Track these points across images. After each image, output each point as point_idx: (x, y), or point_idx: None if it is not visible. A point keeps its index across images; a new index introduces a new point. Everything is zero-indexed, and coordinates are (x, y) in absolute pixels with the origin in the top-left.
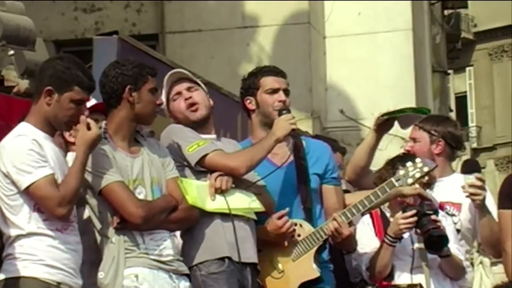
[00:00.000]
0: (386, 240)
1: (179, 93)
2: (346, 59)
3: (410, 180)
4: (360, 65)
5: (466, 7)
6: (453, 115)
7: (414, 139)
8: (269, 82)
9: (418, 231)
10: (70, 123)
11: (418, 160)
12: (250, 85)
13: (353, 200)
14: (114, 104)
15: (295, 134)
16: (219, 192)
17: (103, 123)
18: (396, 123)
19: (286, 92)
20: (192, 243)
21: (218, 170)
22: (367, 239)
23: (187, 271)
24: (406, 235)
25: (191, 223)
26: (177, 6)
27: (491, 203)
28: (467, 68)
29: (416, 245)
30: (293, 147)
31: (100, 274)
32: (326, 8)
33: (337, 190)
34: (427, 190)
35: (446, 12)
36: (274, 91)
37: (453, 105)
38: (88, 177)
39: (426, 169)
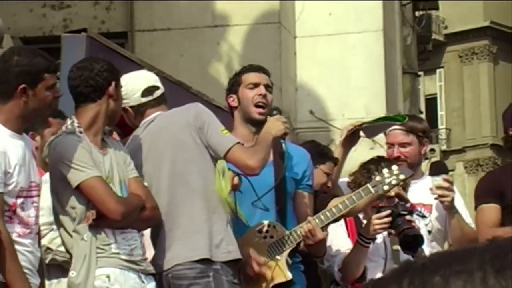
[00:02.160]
0: (359, 241)
1: (257, 84)
2: (316, 60)
3: (386, 187)
4: (330, 65)
5: (437, 8)
6: (423, 117)
7: (405, 144)
8: (250, 77)
9: (393, 231)
10: (48, 109)
11: (394, 167)
12: (233, 82)
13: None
14: (94, 98)
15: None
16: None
17: (74, 118)
18: (361, 133)
19: (268, 88)
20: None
21: (235, 164)
22: (339, 240)
23: (153, 271)
24: (379, 237)
25: (155, 223)
26: (147, 5)
27: (460, 204)
28: (438, 70)
29: (389, 247)
30: (274, 148)
31: (72, 273)
32: (297, 8)
33: (310, 197)
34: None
35: (417, 13)
36: (255, 85)
37: (423, 107)
38: (65, 171)
39: (402, 176)
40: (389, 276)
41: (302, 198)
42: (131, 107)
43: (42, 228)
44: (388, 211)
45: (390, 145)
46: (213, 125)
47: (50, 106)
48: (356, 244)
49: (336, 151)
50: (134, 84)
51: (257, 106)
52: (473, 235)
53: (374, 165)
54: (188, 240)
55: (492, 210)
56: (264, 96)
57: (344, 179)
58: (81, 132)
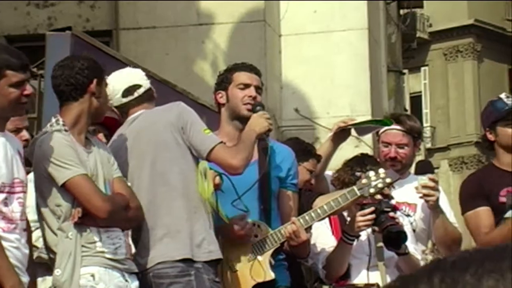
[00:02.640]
0: (343, 238)
1: (248, 85)
2: (301, 58)
3: (372, 190)
4: (315, 64)
5: (421, 6)
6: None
7: (403, 145)
8: (241, 77)
9: (376, 228)
10: (18, 106)
11: (381, 170)
12: (223, 79)
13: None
14: (76, 97)
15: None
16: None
17: (58, 116)
18: (352, 131)
19: (258, 89)
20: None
21: (218, 163)
22: (323, 238)
23: (137, 270)
24: (363, 234)
25: (138, 223)
26: (131, 3)
27: (445, 203)
28: (422, 68)
29: (373, 244)
30: (259, 145)
31: (57, 271)
32: (281, 6)
33: (294, 196)
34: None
35: (402, 11)
36: (246, 86)
37: (407, 105)
38: (51, 168)
39: (388, 180)
40: (419, 273)
41: (287, 197)
42: (116, 107)
43: None
44: (372, 208)
45: (387, 144)
46: (196, 124)
47: (20, 103)
48: (340, 241)
49: (325, 145)
50: (115, 85)
51: (246, 105)
52: (457, 235)
53: (357, 162)
54: (169, 240)
55: (483, 214)
56: (254, 98)
57: (329, 172)
58: (66, 131)
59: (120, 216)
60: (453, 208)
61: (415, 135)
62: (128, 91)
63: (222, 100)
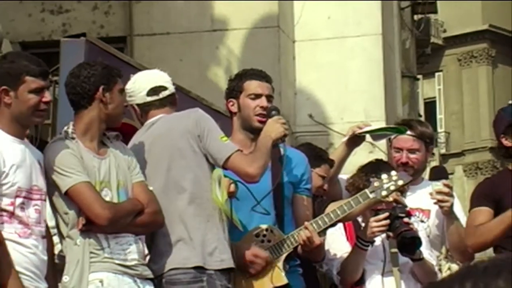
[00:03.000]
0: (358, 244)
1: (259, 95)
2: (315, 64)
3: (384, 193)
4: (329, 69)
5: (436, 12)
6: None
7: (414, 150)
8: (252, 86)
9: (391, 234)
10: (37, 113)
11: (393, 173)
12: (234, 87)
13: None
14: (85, 105)
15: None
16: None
17: (70, 124)
18: (367, 136)
19: (270, 98)
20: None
21: (235, 171)
22: (338, 244)
23: (151, 276)
24: (377, 240)
25: (156, 227)
26: (146, 9)
27: (459, 209)
28: (436, 74)
29: (387, 249)
30: (274, 151)
31: (65, 278)
32: (295, 12)
33: (308, 201)
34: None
35: (416, 17)
36: (257, 96)
37: (422, 111)
38: (55, 177)
39: (401, 182)
40: (450, 279)
41: (301, 202)
42: (138, 105)
43: None
44: (386, 214)
45: (399, 149)
46: (213, 132)
47: (39, 110)
48: (354, 247)
49: (338, 150)
50: (141, 82)
51: (258, 116)
52: None
53: (372, 168)
54: (182, 246)
55: (482, 213)
56: (266, 108)
57: (343, 176)
58: (73, 138)
59: (125, 222)
60: (467, 214)
61: (427, 140)
62: (153, 91)
63: (234, 109)
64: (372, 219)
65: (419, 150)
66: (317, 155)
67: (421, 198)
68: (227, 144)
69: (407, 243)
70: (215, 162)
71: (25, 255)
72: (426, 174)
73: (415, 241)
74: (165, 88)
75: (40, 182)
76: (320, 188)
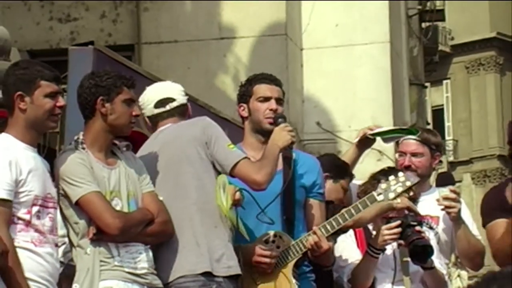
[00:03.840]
0: (369, 251)
1: (268, 98)
2: (323, 71)
3: (392, 195)
4: (337, 77)
5: (443, 20)
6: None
7: (417, 154)
8: (261, 90)
9: (403, 242)
10: (52, 117)
11: (400, 174)
12: (244, 92)
13: None
14: (89, 115)
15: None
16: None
17: (80, 134)
18: (378, 138)
19: (280, 101)
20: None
21: (242, 179)
22: (349, 251)
23: (161, 285)
24: (389, 248)
25: (166, 237)
26: (153, 17)
27: (467, 216)
28: (444, 81)
29: (398, 258)
30: (283, 156)
31: (75, 286)
32: (303, 20)
33: (321, 205)
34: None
35: (423, 24)
36: (266, 99)
37: (430, 118)
38: (65, 187)
39: (408, 183)
40: (477, 284)
41: (313, 206)
42: (148, 117)
43: None
44: (398, 222)
45: (402, 153)
46: (220, 139)
47: (53, 114)
48: (365, 255)
49: (349, 151)
50: (150, 95)
51: (268, 119)
52: (480, 247)
53: (384, 175)
54: (189, 253)
55: (500, 225)
56: (275, 111)
57: (356, 182)
58: (83, 148)
59: (136, 231)
60: (476, 221)
61: (432, 146)
62: (161, 103)
63: (245, 113)
64: (384, 227)
65: (423, 155)
66: (342, 167)
67: (429, 205)
68: (234, 152)
69: (419, 251)
70: (222, 169)
71: (41, 263)
72: (433, 181)
73: (427, 250)
74: (172, 100)
75: (52, 190)
76: (341, 201)
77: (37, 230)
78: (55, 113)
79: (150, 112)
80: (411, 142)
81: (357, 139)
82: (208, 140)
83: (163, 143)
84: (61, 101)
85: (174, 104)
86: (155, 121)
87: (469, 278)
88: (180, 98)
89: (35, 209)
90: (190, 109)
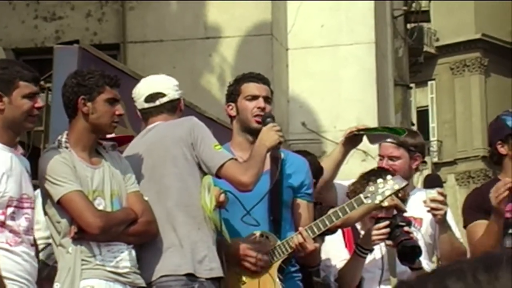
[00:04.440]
0: (357, 251)
1: (256, 97)
2: (308, 72)
3: (379, 198)
4: (322, 77)
5: (429, 21)
6: (414, 129)
7: (394, 157)
8: (249, 88)
9: (391, 243)
10: (30, 118)
11: (389, 177)
12: (232, 91)
13: None
14: (72, 115)
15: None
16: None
17: (64, 133)
18: (364, 138)
19: (268, 99)
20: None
21: (229, 180)
22: (336, 251)
23: (144, 284)
24: (376, 248)
25: (150, 238)
26: (139, 16)
27: (450, 218)
28: (429, 82)
29: (386, 258)
30: (271, 156)
31: (56, 285)
32: (289, 20)
33: (309, 206)
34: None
35: (409, 25)
36: (254, 97)
37: (414, 119)
38: (47, 186)
39: (397, 187)
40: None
41: (300, 207)
42: (139, 110)
43: (39, 242)
44: (387, 222)
45: (381, 156)
46: (206, 140)
47: (31, 115)
48: (353, 255)
49: (335, 150)
50: (141, 88)
51: (256, 117)
52: (462, 250)
53: (374, 175)
54: (172, 254)
55: (480, 227)
56: (263, 109)
57: (342, 182)
58: (66, 147)
59: (117, 230)
60: (459, 222)
61: (411, 148)
62: (151, 97)
63: (233, 113)
64: (373, 227)
65: (400, 158)
66: (319, 169)
67: (413, 206)
68: (220, 153)
69: (407, 252)
70: (208, 170)
71: (18, 262)
72: (419, 183)
73: (416, 250)
74: (163, 95)
75: (29, 190)
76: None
77: (11, 231)
78: (33, 114)
79: (140, 106)
80: (387, 145)
81: (343, 137)
82: (194, 141)
83: (149, 143)
84: (39, 102)
85: (164, 99)
86: (145, 116)
87: None
88: (171, 93)
89: (9, 210)
90: (183, 103)
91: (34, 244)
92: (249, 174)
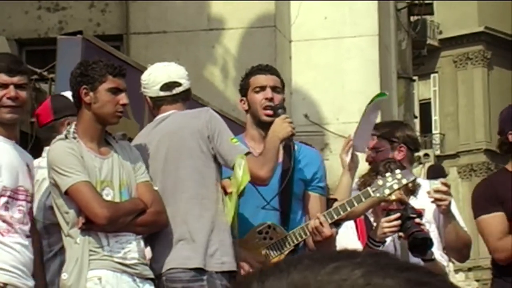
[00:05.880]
0: (369, 244)
1: (263, 87)
2: (311, 64)
3: (387, 191)
4: (325, 69)
5: (432, 13)
6: (417, 121)
7: (375, 148)
8: (257, 80)
9: (402, 235)
10: (19, 108)
11: (397, 171)
12: (242, 85)
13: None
14: (77, 105)
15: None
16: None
17: (73, 124)
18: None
19: (276, 89)
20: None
21: None
22: (349, 243)
23: (152, 275)
24: (388, 240)
25: (160, 227)
26: (142, 7)
27: (454, 207)
28: (432, 75)
29: (399, 250)
30: (284, 148)
31: (64, 275)
32: (292, 12)
33: (321, 199)
34: (412, 197)
35: (412, 18)
36: (261, 88)
37: (417, 112)
38: (55, 176)
39: (404, 181)
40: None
41: (312, 199)
42: (151, 98)
43: None
44: (398, 214)
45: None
46: (223, 133)
47: (4, 106)
48: (365, 247)
49: (344, 178)
50: (156, 76)
51: (265, 109)
52: (467, 239)
53: (383, 167)
54: (183, 247)
55: (496, 220)
56: (271, 99)
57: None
58: (74, 138)
59: (125, 221)
60: (462, 214)
61: (393, 139)
62: (167, 86)
63: (245, 107)
64: (384, 219)
65: (380, 149)
66: None
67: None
68: (237, 146)
69: (419, 243)
70: (225, 163)
71: (11, 253)
72: (422, 173)
73: (427, 242)
74: (179, 84)
75: (27, 183)
76: None
77: (4, 221)
78: (5, 104)
79: (155, 94)
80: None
81: (348, 160)
82: (211, 134)
83: (165, 133)
84: (10, 92)
85: (180, 89)
86: (158, 104)
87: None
88: (185, 83)
89: (3, 199)
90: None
91: (33, 236)
92: (266, 169)
